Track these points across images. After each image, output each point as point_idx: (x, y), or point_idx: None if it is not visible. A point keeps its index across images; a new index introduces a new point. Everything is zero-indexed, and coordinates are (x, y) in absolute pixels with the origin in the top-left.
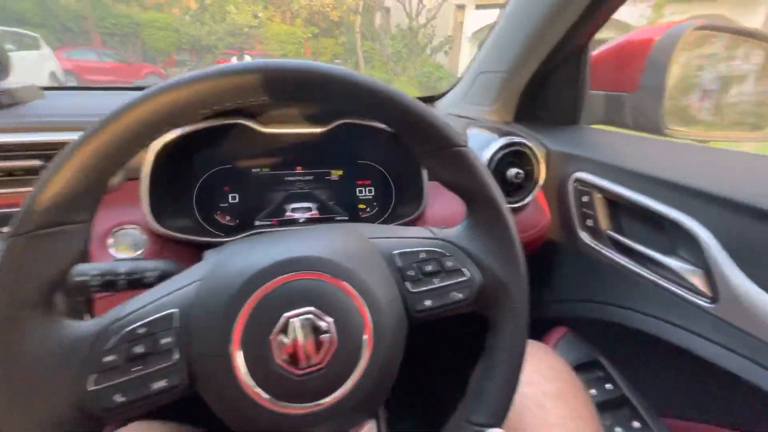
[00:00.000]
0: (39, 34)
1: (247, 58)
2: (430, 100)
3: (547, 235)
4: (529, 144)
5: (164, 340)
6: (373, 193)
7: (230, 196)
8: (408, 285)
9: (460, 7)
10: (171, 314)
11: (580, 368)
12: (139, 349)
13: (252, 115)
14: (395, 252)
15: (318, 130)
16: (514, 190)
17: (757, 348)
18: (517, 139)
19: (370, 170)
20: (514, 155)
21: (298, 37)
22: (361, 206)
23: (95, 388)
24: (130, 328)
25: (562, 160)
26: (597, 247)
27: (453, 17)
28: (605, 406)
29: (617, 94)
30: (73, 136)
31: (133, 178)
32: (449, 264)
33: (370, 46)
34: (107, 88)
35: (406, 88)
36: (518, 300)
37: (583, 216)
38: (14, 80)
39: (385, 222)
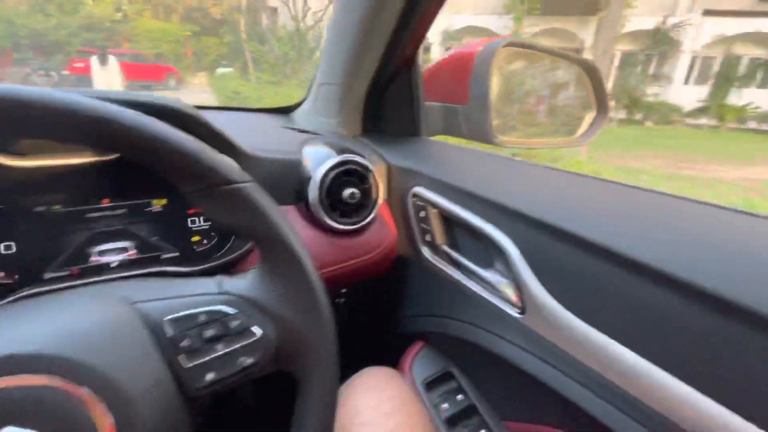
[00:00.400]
0: None
1: (111, 60)
2: (287, 110)
3: (395, 251)
4: (362, 162)
5: None
6: (209, 223)
7: (1, 246)
8: (182, 359)
9: None
10: None
11: (435, 382)
12: None
13: None
14: (166, 318)
15: (92, 159)
16: (354, 210)
17: (556, 354)
18: (349, 158)
19: None
20: (351, 173)
21: (174, 35)
22: (195, 239)
23: None
24: None
25: (403, 174)
26: (436, 262)
27: None
28: (456, 419)
29: (452, 106)
30: None
31: None
32: (235, 324)
33: (256, 48)
34: None
35: (297, 92)
36: (323, 354)
37: (423, 231)
38: None
39: (227, 254)
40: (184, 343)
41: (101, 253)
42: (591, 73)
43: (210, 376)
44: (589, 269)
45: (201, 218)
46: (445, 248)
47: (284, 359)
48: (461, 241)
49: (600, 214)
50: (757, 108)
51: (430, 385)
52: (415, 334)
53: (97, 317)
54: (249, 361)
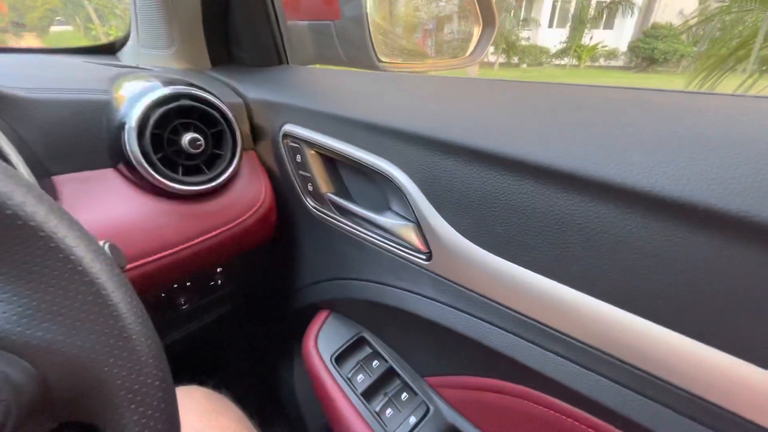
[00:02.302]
0: None
1: None
2: (111, 49)
3: (275, 209)
4: (201, 95)
5: None
6: None
7: None
8: None
9: None
10: None
11: (348, 351)
12: None
13: None
14: None
15: None
16: (206, 163)
17: (467, 298)
18: (181, 89)
19: None
20: (189, 114)
21: None
22: None
23: None
24: None
25: (268, 110)
26: (323, 215)
27: None
28: (374, 388)
29: (322, 23)
30: None
31: None
32: None
33: None
34: None
35: None
36: (135, 381)
37: (302, 179)
38: None
39: None
40: None
41: None
42: None
43: None
44: (500, 191)
45: None
46: (331, 196)
47: (66, 408)
48: (350, 185)
49: (499, 120)
50: (604, 47)
51: (340, 358)
52: (316, 304)
53: None
54: None
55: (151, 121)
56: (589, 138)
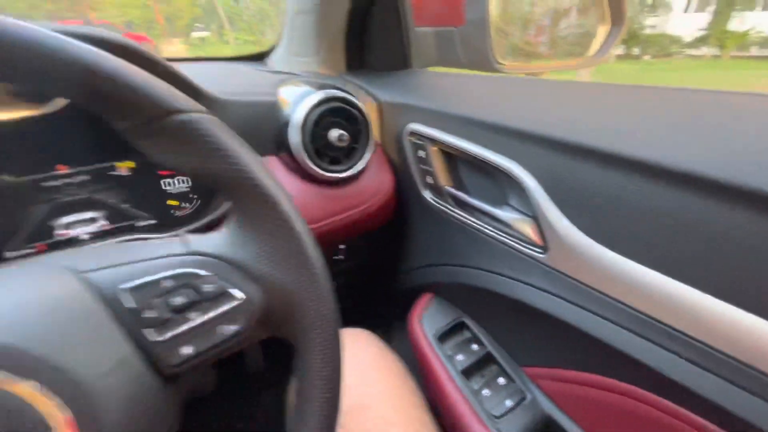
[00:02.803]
0: None
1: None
2: (260, 57)
3: (395, 198)
4: (350, 98)
5: None
6: (187, 184)
7: None
8: (149, 333)
9: None
10: None
11: (448, 333)
12: None
13: None
14: (122, 287)
15: (36, 112)
16: (344, 155)
17: (583, 293)
18: (334, 93)
19: None
20: (337, 113)
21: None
22: (172, 203)
23: None
24: None
25: (396, 111)
26: (440, 206)
27: None
28: (473, 369)
29: (446, 29)
30: None
31: None
32: (209, 288)
33: (230, 5)
34: None
35: None
36: (320, 313)
37: (423, 173)
38: None
39: (212, 218)
40: (149, 314)
41: (67, 225)
42: None
43: (186, 351)
44: (623, 191)
45: (177, 180)
46: (450, 189)
47: (275, 324)
48: (468, 180)
49: (625, 124)
50: (760, 32)
51: (443, 337)
52: (422, 287)
53: (34, 294)
54: (231, 329)
55: (310, 120)
56: (720, 142)
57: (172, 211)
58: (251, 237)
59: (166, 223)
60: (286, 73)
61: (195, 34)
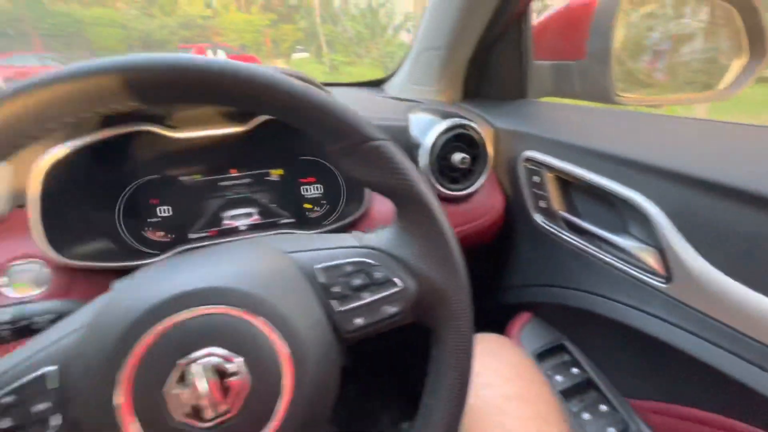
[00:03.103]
0: None
1: (221, 54)
2: (378, 83)
3: (504, 218)
4: (473, 125)
5: (38, 408)
6: (320, 191)
7: (160, 209)
8: (334, 304)
9: None
10: (44, 375)
11: (545, 354)
12: (5, 423)
13: (154, 119)
14: (317, 267)
15: (238, 129)
16: (462, 176)
17: (710, 327)
18: (459, 122)
19: (314, 166)
20: (459, 138)
21: (256, 25)
22: (308, 206)
23: None
24: None
25: (511, 138)
26: (552, 229)
27: None
28: (572, 392)
29: (564, 63)
30: None
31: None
32: (378, 275)
33: (331, 29)
34: None
35: (371, 71)
36: (459, 306)
37: (535, 197)
38: None
39: (338, 221)
40: (335, 289)
41: (232, 217)
42: (746, 12)
43: (358, 321)
44: (763, 229)
45: (312, 187)
46: (563, 214)
47: (422, 311)
48: (581, 206)
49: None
50: None
51: (540, 357)
52: (519, 305)
53: (262, 261)
54: (392, 309)
55: (438, 144)
56: None
57: (307, 213)
58: (411, 238)
59: (303, 222)
60: (410, 100)
61: (295, 56)
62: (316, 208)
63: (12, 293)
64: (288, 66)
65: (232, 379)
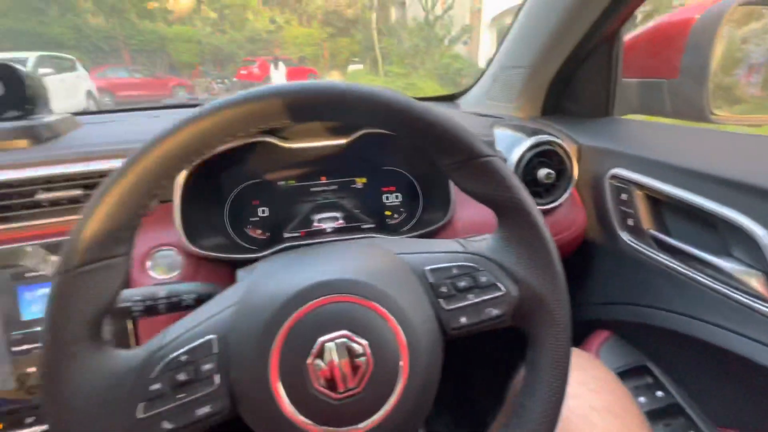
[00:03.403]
0: (74, 56)
1: (281, 66)
2: (451, 98)
3: (584, 234)
4: (560, 142)
5: (205, 367)
6: (399, 200)
7: (260, 209)
8: (442, 302)
9: None
10: (210, 341)
11: (626, 374)
12: (182, 377)
13: (274, 131)
14: (426, 268)
15: (341, 141)
16: (545, 190)
17: None
18: (546, 138)
19: (395, 176)
20: (544, 154)
21: (315, 39)
22: (388, 213)
23: (144, 416)
24: (173, 355)
25: (596, 155)
26: (639, 248)
27: (470, 4)
28: (657, 415)
29: (655, 81)
30: (108, 165)
31: (166, 200)
32: (483, 279)
33: (387, 42)
34: (134, 109)
35: (425, 82)
36: (558, 314)
37: (622, 215)
38: (55, 103)
39: (413, 228)
40: (442, 289)
41: (319, 220)
42: None
43: (463, 320)
44: None
45: (393, 195)
46: (653, 233)
47: (521, 316)
48: (673, 225)
49: None
50: None
51: (622, 376)
52: (597, 322)
53: (380, 259)
54: (495, 312)
55: (525, 159)
56: None
57: (387, 220)
58: (514, 246)
59: (382, 227)
60: (491, 116)
61: (351, 67)
62: (395, 215)
63: (155, 275)
64: (343, 77)
65: (359, 359)
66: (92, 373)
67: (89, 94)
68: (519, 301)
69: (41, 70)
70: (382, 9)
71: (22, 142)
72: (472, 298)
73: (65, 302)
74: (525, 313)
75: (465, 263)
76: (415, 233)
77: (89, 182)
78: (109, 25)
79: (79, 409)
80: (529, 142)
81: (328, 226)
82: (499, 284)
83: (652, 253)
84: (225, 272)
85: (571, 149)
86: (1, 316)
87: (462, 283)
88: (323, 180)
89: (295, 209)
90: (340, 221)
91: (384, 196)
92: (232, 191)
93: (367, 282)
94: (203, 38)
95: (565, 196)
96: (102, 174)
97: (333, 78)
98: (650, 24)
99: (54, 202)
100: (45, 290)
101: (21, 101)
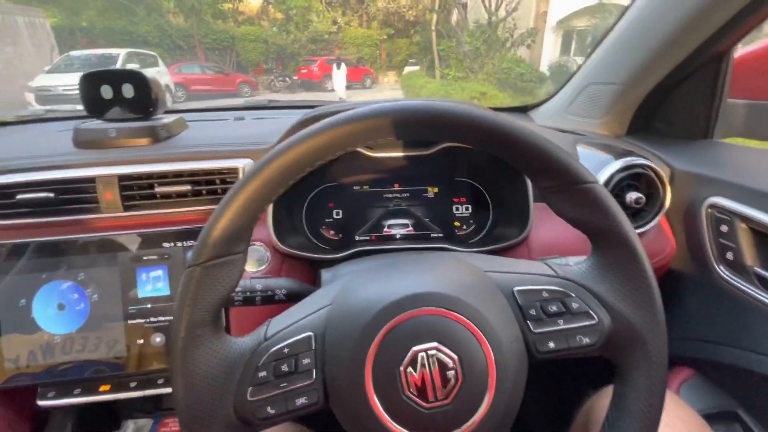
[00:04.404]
0: (156, 52)
1: (343, 66)
2: (523, 109)
3: (670, 264)
4: (653, 165)
5: (305, 361)
6: (469, 211)
7: (334, 212)
8: (530, 324)
9: None
10: (308, 337)
11: (712, 419)
12: (285, 368)
13: None
14: (515, 289)
15: (423, 153)
16: (632, 215)
17: None
18: (638, 161)
19: (466, 187)
20: (633, 177)
21: (374, 40)
22: (457, 224)
23: (252, 399)
24: (277, 347)
25: (692, 181)
26: (738, 284)
27: (535, 7)
28: None
29: (766, 103)
30: (212, 164)
31: None
32: (575, 305)
33: (446, 44)
34: (218, 109)
35: (484, 86)
36: (656, 352)
37: (720, 247)
38: None
39: (483, 241)
40: (531, 312)
41: (390, 226)
42: None
43: (551, 345)
44: None
45: (463, 207)
46: (759, 270)
47: (611, 347)
48: None
49: None
50: None
51: (707, 420)
52: (676, 358)
53: (469, 276)
54: (585, 341)
55: (613, 182)
56: None
57: (455, 230)
58: (610, 276)
59: (450, 238)
60: (573, 132)
61: (407, 69)
62: (464, 227)
63: (248, 268)
64: (399, 78)
65: (449, 372)
66: (212, 354)
67: (167, 88)
68: (611, 332)
69: (129, 65)
70: (443, 11)
71: (144, 141)
72: (561, 324)
73: (195, 290)
74: (617, 345)
75: (556, 288)
76: (487, 248)
77: (196, 179)
78: (188, 25)
79: (199, 384)
80: (619, 163)
81: (397, 232)
82: (591, 312)
83: (752, 291)
84: (303, 269)
85: (664, 173)
86: (122, 292)
87: (552, 308)
88: (396, 187)
89: (367, 213)
90: (410, 228)
91: (454, 207)
92: (311, 193)
93: (459, 297)
94: (269, 38)
95: (654, 222)
96: (207, 172)
97: (389, 78)
98: (763, 41)
99: (166, 195)
100: (158, 273)
101: (146, 104)
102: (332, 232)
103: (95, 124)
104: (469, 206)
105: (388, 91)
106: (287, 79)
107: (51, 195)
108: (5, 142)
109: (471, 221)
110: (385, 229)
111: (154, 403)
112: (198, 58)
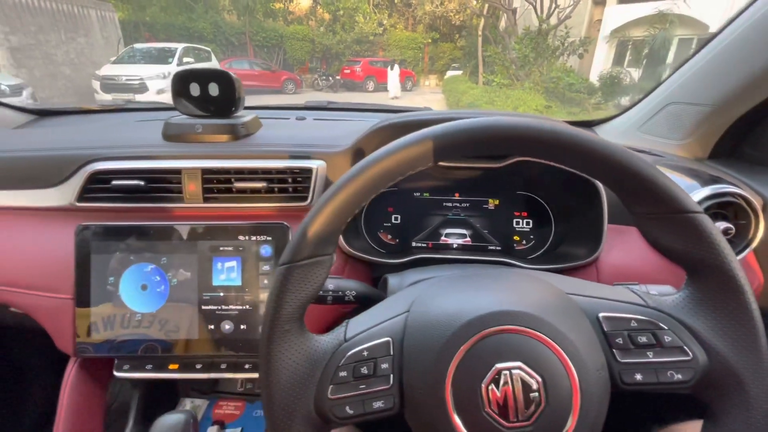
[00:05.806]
0: (210, 48)
1: (396, 68)
2: (588, 124)
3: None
4: (745, 195)
5: (383, 366)
6: (530, 226)
7: (393, 216)
8: (616, 353)
9: (598, 3)
10: (387, 342)
11: None
12: (364, 370)
13: None
14: (601, 315)
15: (494, 165)
16: None
17: None
18: (729, 189)
19: (529, 202)
20: (721, 205)
21: (418, 43)
22: (516, 238)
23: (332, 397)
24: (356, 349)
25: None
26: None
27: (588, 15)
28: None
29: None
30: (283, 164)
31: None
32: (667, 339)
33: (492, 50)
34: (282, 108)
35: (532, 95)
36: (757, 398)
37: None
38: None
39: (542, 258)
40: (618, 340)
41: (447, 235)
42: None
43: (638, 377)
44: None
45: (524, 221)
46: None
47: (705, 387)
48: None
49: None
50: None
51: None
52: None
53: (550, 296)
54: (678, 377)
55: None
56: None
57: (514, 244)
58: (709, 311)
59: (508, 251)
60: (648, 152)
61: (449, 73)
62: (523, 241)
63: None
64: (440, 83)
65: (533, 394)
66: (296, 349)
67: None
68: (706, 371)
69: (185, 59)
70: (491, 16)
71: (225, 137)
72: (651, 356)
73: (286, 288)
74: (712, 385)
75: (646, 318)
76: (548, 266)
77: (270, 177)
78: (240, 22)
79: (284, 377)
80: (708, 190)
81: (454, 242)
82: (686, 348)
83: None
84: (362, 271)
85: (757, 202)
86: (198, 279)
87: (642, 339)
88: (456, 196)
89: (425, 221)
90: (467, 239)
91: (515, 221)
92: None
93: (544, 318)
94: (316, 37)
95: (743, 255)
96: (281, 171)
97: (430, 82)
98: None
99: (242, 191)
100: (231, 264)
101: (230, 102)
102: (390, 237)
103: (182, 118)
104: (530, 221)
105: (428, 95)
106: (330, 78)
107: (141, 183)
108: (92, 128)
109: (531, 236)
110: (443, 238)
111: (211, 385)
112: (248, 55)
